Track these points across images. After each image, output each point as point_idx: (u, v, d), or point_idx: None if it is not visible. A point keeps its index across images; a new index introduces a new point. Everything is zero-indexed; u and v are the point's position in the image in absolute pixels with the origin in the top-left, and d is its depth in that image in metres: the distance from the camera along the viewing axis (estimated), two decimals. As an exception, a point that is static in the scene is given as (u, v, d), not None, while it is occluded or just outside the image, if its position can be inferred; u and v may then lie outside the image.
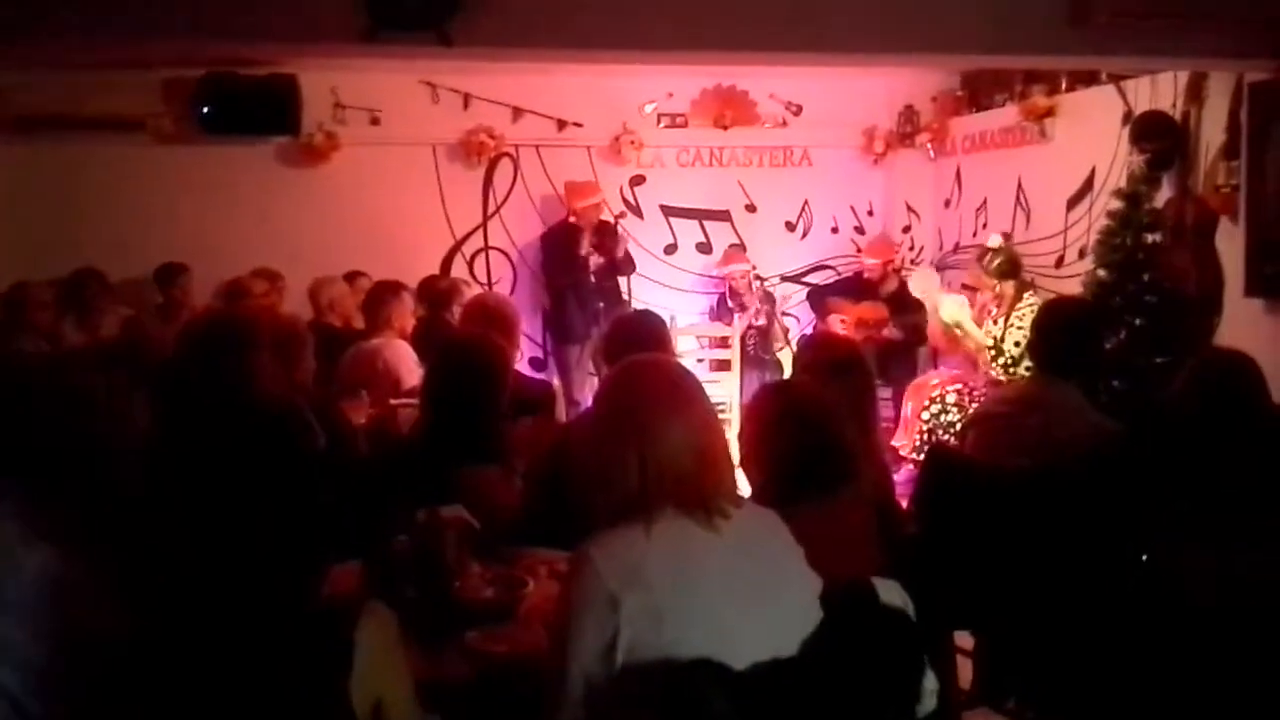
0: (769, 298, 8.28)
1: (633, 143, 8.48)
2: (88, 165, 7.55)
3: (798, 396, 2.99)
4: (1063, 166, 7.12)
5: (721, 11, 4.64)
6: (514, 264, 8.57)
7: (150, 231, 7.59)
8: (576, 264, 7.86)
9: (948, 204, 8.69)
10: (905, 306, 7.83)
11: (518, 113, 8.36)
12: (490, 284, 8.39)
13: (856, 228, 9.05)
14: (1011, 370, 6.35)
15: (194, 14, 4.33)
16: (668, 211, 8.79)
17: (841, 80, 8.35)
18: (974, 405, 6.30)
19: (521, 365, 5.72)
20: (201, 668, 1.79)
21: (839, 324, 7.78)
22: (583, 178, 8.32)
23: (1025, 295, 6.58)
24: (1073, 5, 4.80)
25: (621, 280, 8.10)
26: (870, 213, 9.06)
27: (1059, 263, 7.14)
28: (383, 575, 2.64)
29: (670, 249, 8.81)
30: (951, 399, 6.66)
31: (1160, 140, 5.97)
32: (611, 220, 8.27)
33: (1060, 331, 3.85)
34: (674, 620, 1.92)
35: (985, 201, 8.11)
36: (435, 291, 6.54)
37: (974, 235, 8.05)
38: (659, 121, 8.63)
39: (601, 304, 7.84)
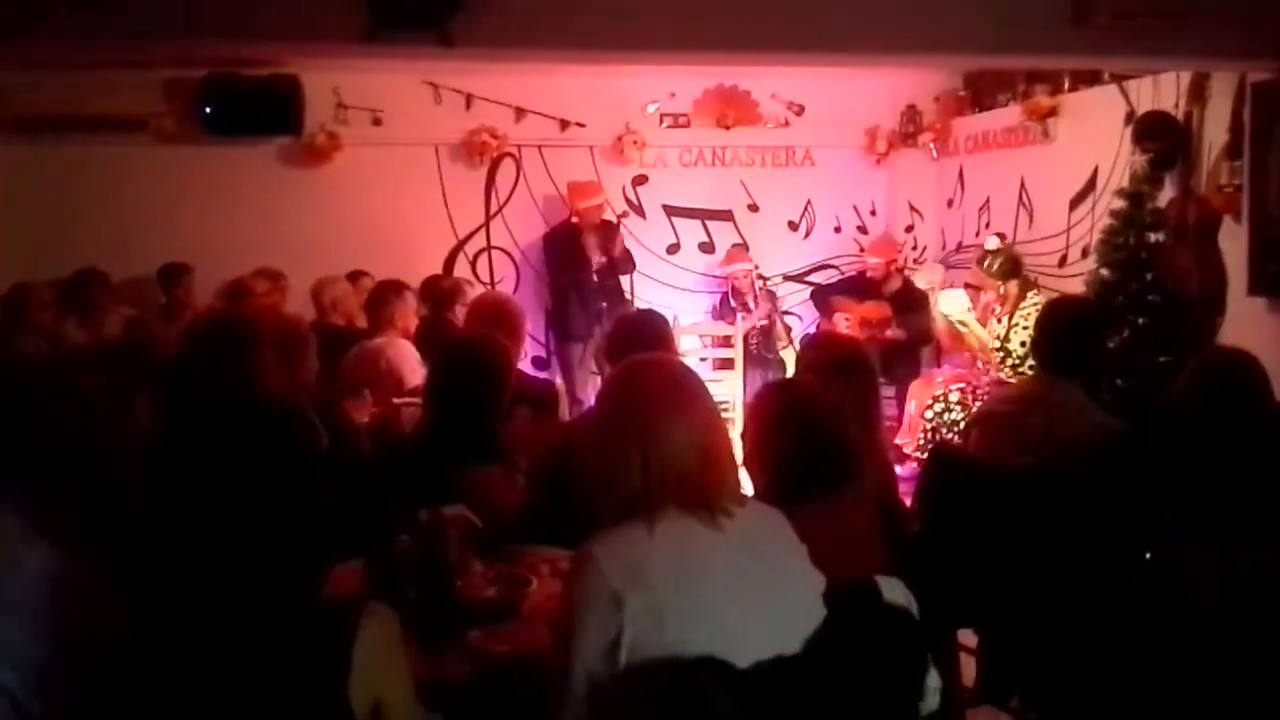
0: (771, 297, 8.28)
1: (635, 143, 8.48)
2: (90, 165, 7.55)
3: (801, 395, 2.99)
4: (1065, 166, 7.11)
5: (723, 12, 4.64)
6: (516, 264, 8.58)
7: (152, 232, 7.59)
8: (579, 263, 7.86)
9: (950, 204, 8.69)
10: (909, 306, 7.83)
11: (520, 113, 8.36)
12: (493, 283, 8.39)
13: (859, 227, 9.05)
14: (1018, 369, 6.34)
15: (195, 14, 4.32)
16: (670, 211, 8.79)
17: (844, 80, 8.35)
18: (977, 404, 6.29)
19: (524, 364, 5.71)
20: (202, 667, 1.78)
21: (843, 323, 7.78)
22: (585, 178, 8.32)
23: (1029, 294, 6.57)
24: (1075, 5, 4.80)
25: (624, 279, 8.10)
26: (873, 212, 9.06)
27: (1062, 262, 7.14)
28: (385, 574, 2.64)
29: (673, 249, 8.82)
30: (955, 398, 6.66)
31: (1163, 140, 5.97)
32: (614, 220, 8.26)
33: (1063, 331, 3.85)
34: (677, 619, 1.92)
35: (988, 201, 8.11)
36: (438, 291, 6.54)
37: (977, 235, 8.05)
38: (661, 121, 8.63)
39: (604, 303, 7.84)
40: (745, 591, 1.99)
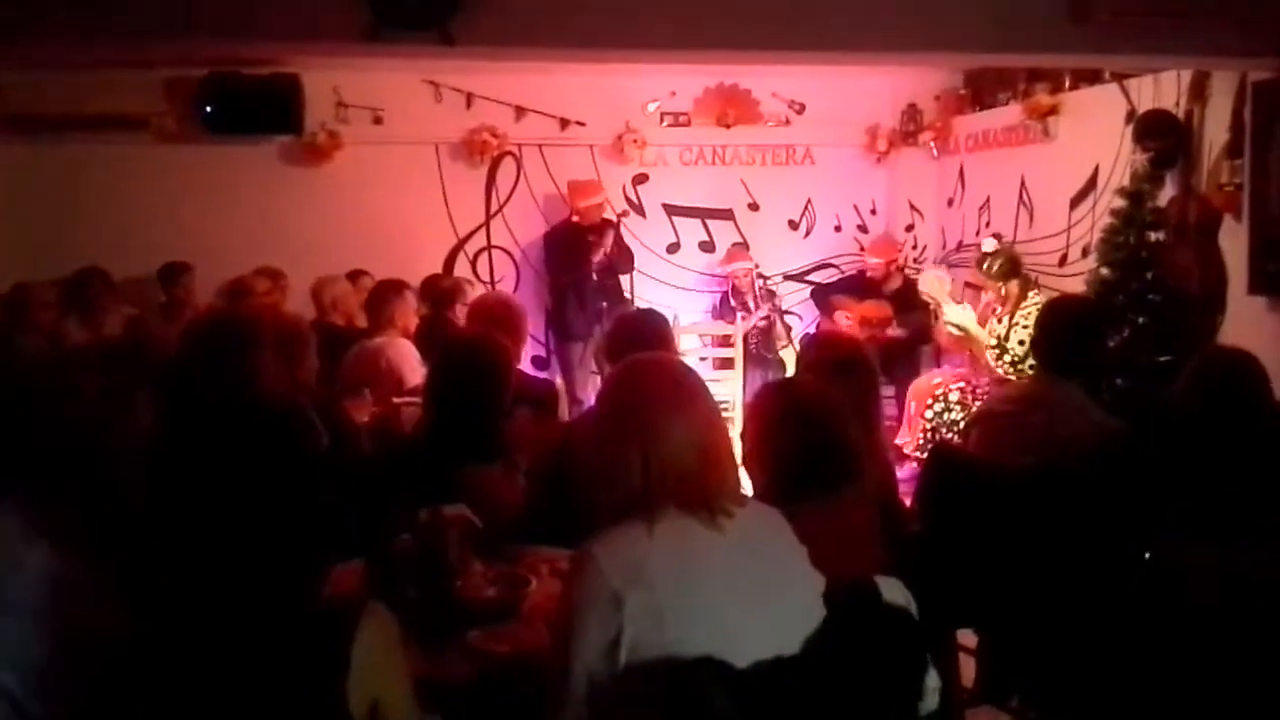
0: (772, 296, 8.28)
1: (635, 141, 8.48)
2: (91, 165, 7.55)
3: (800, 395, 2.99)
4: (1066, 165, 7.11)
5: (724, 10, 4.64)
6: (517, 263, 8.58)
7: (153, 231, 7.60)
8: (579, 263, 7.85)
9: (951, 203, 8.69)
10: (909, 305, 7.83)
11: (520, 112, 8.36)
12: (493, 283, 8.39)
13: (860, 226, 9.04)
14: (1017, 367, 6.34)
15: (195, 13, 4.32)
16: (671, 210, 8.79)
17: (844, 79, 8.35)
18: (977, 404, 6.29)
19: (524, 364, 5.72)
20: (201, 667, 1.78)
21: (844, 321, 7.78)
22: (586, 177, 8.32)
23: (1030, 294, 6.57)
24: (1075, 3, 4.80)
25: (624, 279, 8.10)
26: (873, 211, 9.06)
27: (1062, 261, 7.14)
28: (385, 574, 2.64)
29: (673, 248, 8.82)
30: (955, 397, 6.66)
31: (1163, 139, 5.96)
32: (614, 219, 8.27)
33: (1063, 330, 3.84)
34: (677, 619, 1.92)
35: (988, 200, 8.11)
36: (438, 290, 6.54)
37: (977, 234, 8.05)
38: (662, 120, 8.63)
39: (604, 303, 7.84)
40: (745, 592, 1.99)
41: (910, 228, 8.98)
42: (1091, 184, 6.84)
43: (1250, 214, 5.51)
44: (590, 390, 7.59)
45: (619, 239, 8.06)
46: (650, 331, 3.70)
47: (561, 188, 8.34)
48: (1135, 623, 3.10)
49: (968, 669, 3.63)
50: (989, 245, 7.04)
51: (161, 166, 7.72)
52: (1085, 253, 6.72)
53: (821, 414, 2.87)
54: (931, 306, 7.31)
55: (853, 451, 2.91)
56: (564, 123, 8.45)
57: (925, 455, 5.23)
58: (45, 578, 2.07)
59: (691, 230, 8.84)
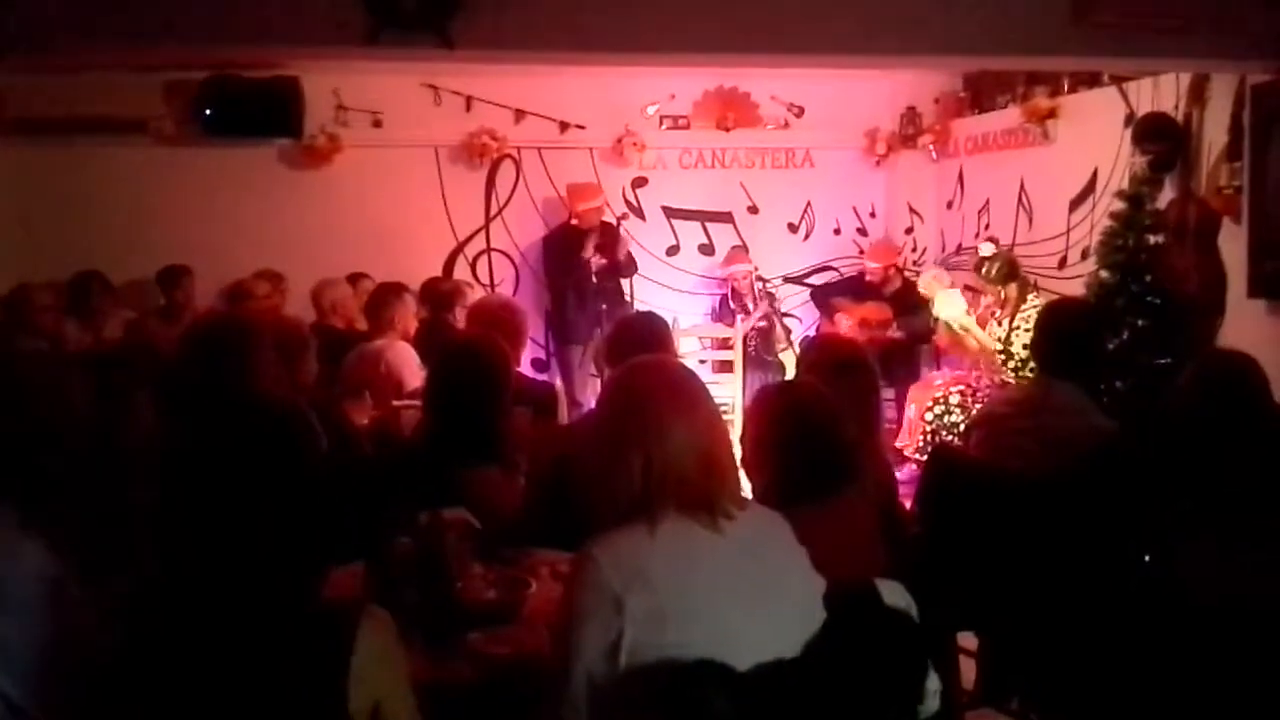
0: (771, 299, 8.28)
1: (635, 144, 8.48)
2: (90, 167, 7.55)
3: (800, 397, 2.99)
4: (1065, 168, 7.11)
5: (723, 14, 4.64)
6: (516, 266, 8.58)
7: (152, 233, 7.59)
8: (578, 266, 7.85)
9: (950, 205, 8.69)
10: (909, 306, 7.84)
11: (520, 115, 8.36)
12: (493, 286, 8.39)
13: (859, 229, 9.05)
14: (1020, 372, 6.35)
15: (195, 16, 4.33)
16: (670, 213, 8.79)
17: (843, 82, 8.35)
18: (977, 406, 6.30)
19: (524, 367, 5.72)
20: (200, 670, 1.79)
21: (844, 324, 7.78)
22: (585, 180, 8.32)
23: (1029, 297, 6.58)
24: (1074, 6, 4.80)
25: (623, 281, 8.10)
26: (872, 214, 9.06)
27: (1062, 264, 7.14)
28: (385, 577, 2.64)
29: (672, 250, 8.82)
30: (955, 400, 6.67)
31: (1162, 141, 5.97)
32: (614, 222, 8.27)
33: (1062, 333, 3.85)
34: (677, 621, 1.92)
35: (988, 203, 8.11)
36: (438, 293, 6.54)
37: (976, 236, 8.05)
38: (661, 123, 8.63)
39: (604, 305, 7.83)
40: (745, 594, 1.99)
41: (909, 230, 8.98)
42: (1090, 187, 6.84)
43: (1249, 217, 5.51)
44: (590, 393, 7.59)
45: (622, 243, 8.06)
46: (650, 334, 3.70)
47: (561, 191, 8.34)
48: (1135, 624, 3.10)
49: (968, 671, 3.63)
50: (987, 249, 7.05)
51: (161, 169, 7.72)
52: (1084, 255, 6.72)
53: (821, 416, 2.87)
54: (930, 304, 7.33)
55: (852, 454, 2.92)
56: (563, 125, 8.45)
57: (925, 457, 5.23)
58: (42, 579, 2.08)
59: (691, 233, 8.84)
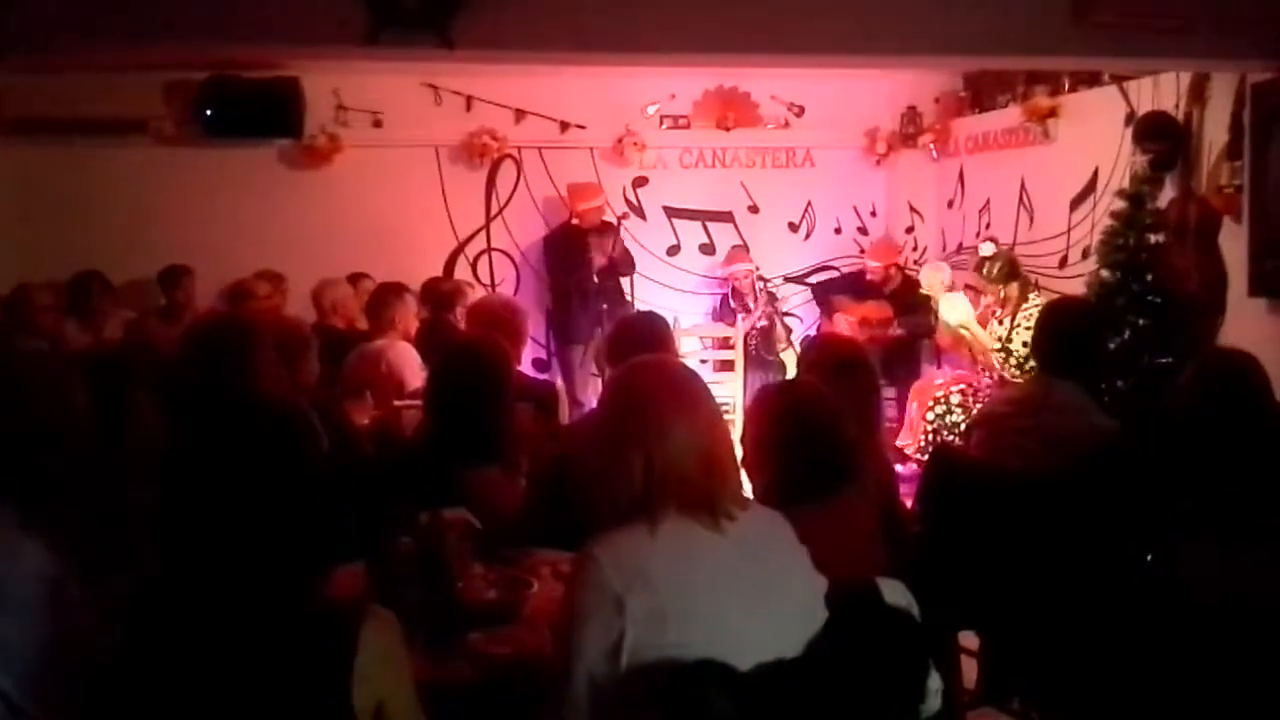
0: (772, 298, 8.28)
1: (635, 144, 8.48)
2: (90, 168, 7.54)
3: (801, 397, 2.99)
4: (1065, 167, 7.11)
5: (723, 13, 4.63)
6: (517, 265, 8.58)
7: (153, 234, 7.58)
8: (579, 265, 7.85)
9: (951, 205, 8.69)
10: (909, 304, 7.84)
11: (520, 114, 8.36)
12: (493, 285, 8.39)
13: (859, 228, 9.05)
14: (1023, 370, 6.36)
15: (195, 16, 4.32)
16: (670, 213, 8.79)
17: (844, 81, 8.35)
18: (978, 405, 6.30)
19: (525, 366, 5.72)
20: (202, 670, 1.79)
21: (844, 323, 7.78)
22: (585, 179, 8.33)
23: (1030, 296, 6.59)
24: (1074, 6, 4.79)
25: (624, 281, 8.10)
26: (873, 213, 9.06)
27: (1062, 263, 7.14)
28: (386, 577, 2.64)
29: (673, 250, 8.82)
30: (956, 399, 6.67)
31: (1163, 141, 5.97)
32: (614, 221, 8.27)
33: (1063, 332, 3.85)
34: (678, 621, 1.92)
35: (988, 202, 8.11)
36: (438, 293, 6.54)
37: (977, 235, 8.05)
38: (661, 123, 8.63)
39: (604, 305, 7.82)
40: (746, 594, 1.99)
41: (910, 230, 8.98)
42: (1091, 186, 6.84)
43: (1250, 215, 5.51)
44: (591, 393, 7.59)
45: (620, 242, 8.06)
46: (651, 334, 3.70)
47: (561, 190, 8.34)
48: (1136, 623, 3.10)
49: (970, 670, 3.63)
50: (987, 249, 7.05)
51: (161, 169, 7.71)
52: (1085, 255, 6.72)
53: (822, 416, 2.87)
54: (933, 304, 7.33)
55: (853, 453, 2.92)
56: (564, 125, 8.45)
57: (926, 457, 5.23)
58: (42, 579, 2.08)
59: (691, 233, 8.84)
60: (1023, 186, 7.63)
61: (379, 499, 3.07)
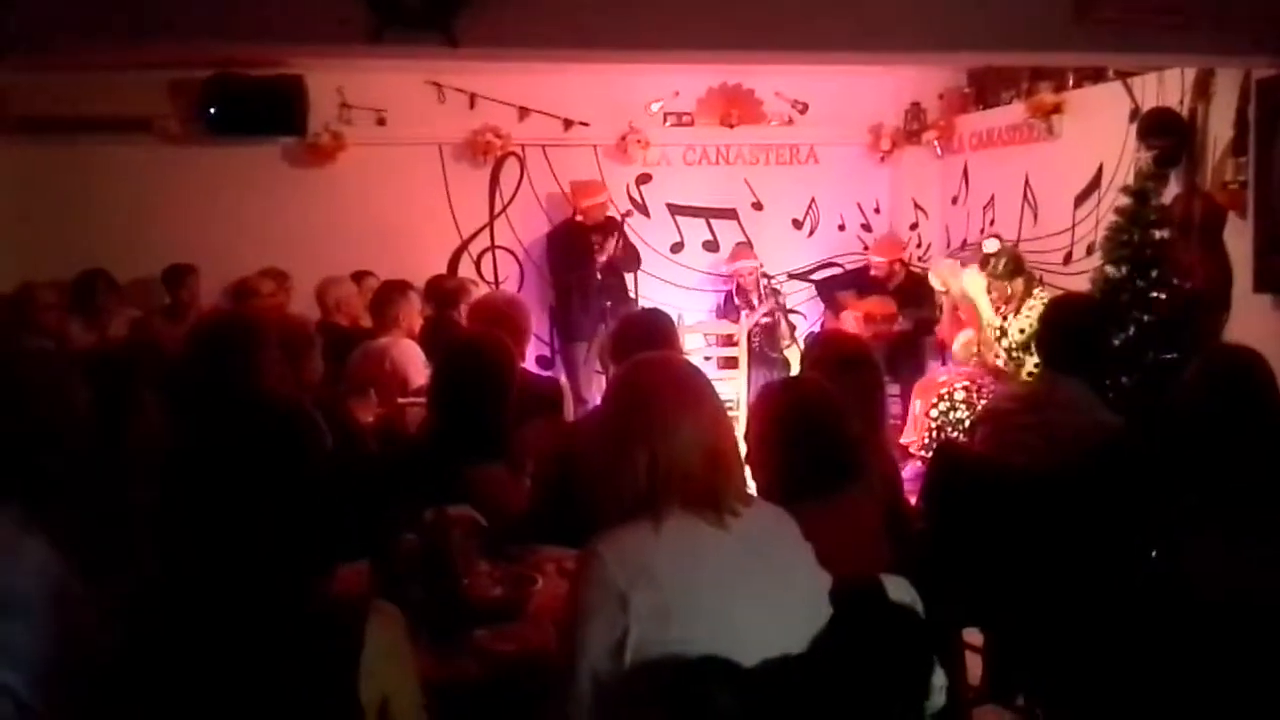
0: (775, 295, 8.29)
1: (639, 141, 8.48)
2: (94, 166, 7.56)
3: (805, 393, 2.99)
4: (1070, 163, 7.10)
5: (727, 10, 4.64)
6: (520, 263, 8.58)
7: (157, 232, 7.60)
8: (582, 262, 7.86)
9: (955, 201, 8.68)
10: (913, 299, 7.84)
11: (524, 112, 8.36)
12: (497, 283, 8.40)
13: (863, 225, 9.05)
14: (1012, 354, 6.38)
15: (199, 14, 4.33)
16: (674, 210, 8.79)
17: (847, 78, 8.35)
18: (982, 402, 6.30)
19: (529, 364, 5.73)
20: (207, 667, 1.79)
21: (852, 321, 7.77)
22: (589, 177, 8.33)
23: (1035, 291, 6.58)
24: (1076, 3, 4.79)
25: (628, 278, 8.10)
26: (877, 210, 9.07)
27: (1067, 259, 7.13)
28: (391, 574, 2.65)
29: (677, 247, 8.82)
30: (960, 396, 6.66)
31: (1168, 137, 5.96)
32: (618, 218, 8.27)
33: (1068, 328, 3.84)
34: (682, 618, 1.92)
35: (993, 199, 8.10)
36: (442, 291, 6.55)
37: (981, 232, 8.03)
38: (665, 120, 8.63)
39: (608, 302, 7.84)
40: (751, 591, 1.99)
41: (914, 226, 8.98)
42: (1096, 182, 6.83)
43: (1255, 211, 5.51)
44: (595, 390, 7.60)
45: (625, 239, 8.07)
46: (655, 331, 3.70)
47: (565, 188, 8.34)
48: (1141, 620, 3.10)
49: (974, 667, 3.62)
50: (991, 245, 7.04)
51: (165, 168, 7.73)
52: (1090, 251, 6.71)
53: (825, 412, 2.87)
54: (939, 298, 7.33)
55: (857, 450, 2.91)
56: (567, 123, 8.45)
57: (930, 453, 5.23)
58: (45, 578, 2.08)
59: (695, 230, 8.85)
60: (1027, 183, 7.62)
61: (383, 496, 3.07)
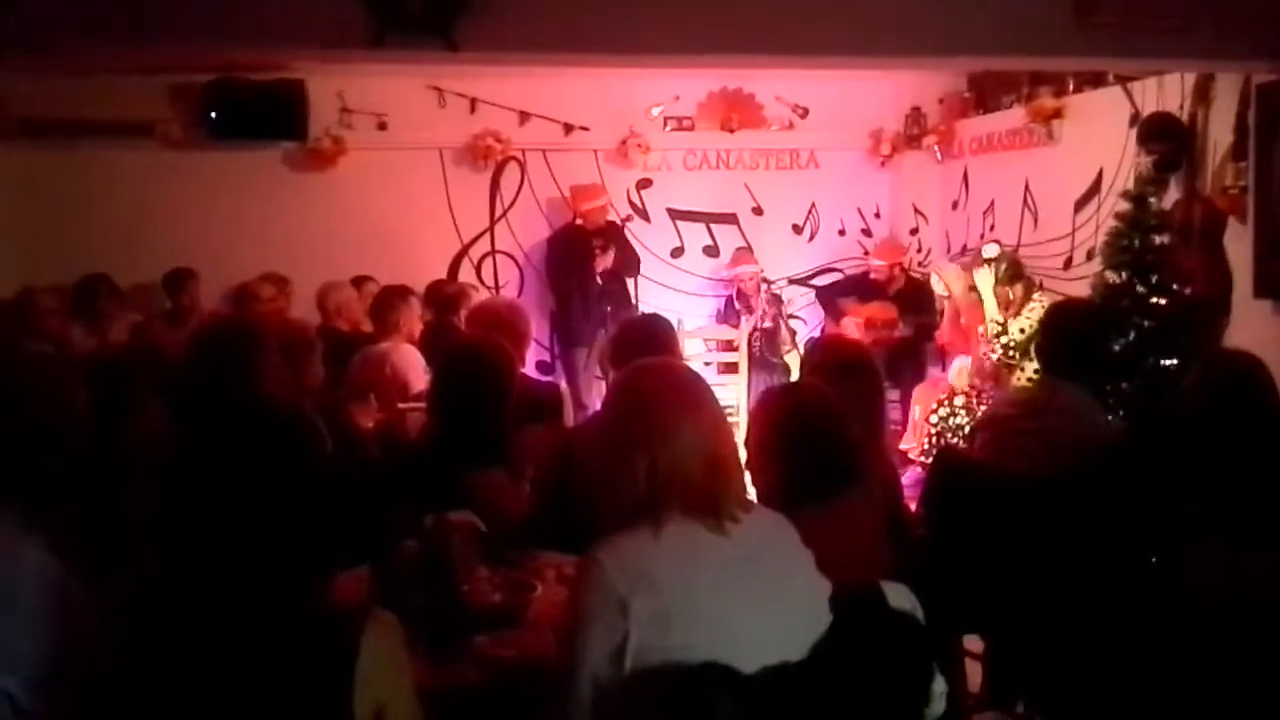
0: (776, 300, 8.29)
1: (639, 146, 8.48)
2: (95, 170, 7.55)
3: (805, 399, 2.99)
4: (1070, 168, 7.11)
5: (727, 15, 4.63)
6: (521, 267, 8.58)
7: (158, 237, 7.59)
8: (583, 267, 7.86)
9: (955, 206, 8.68)
10: (914, 305, 7.84)
11: (524, 116, 8.37)
12: (497, 288, 8.40)
13: (864, 230, 9.05)
14: (1012, 353, 6.40)
15: (200, 18, 4.33)
16: (674, 215, 8.79)
17: (848, 83, 8.35)
18: (983, 408, 6.30)
19: (529, 369, 5.73)
20: (204, 672, 1.79)
21: (852, 327, 7.77)
22: (589, 181, 8.33)
23: (1034, 297, 6.59)
24: (1076, 7, 4.79)
25: (628, 283, 8.10)
26: (877, 215, 9.06)
27: (1067, 264, 7.13)
28: (391, 580, 2.64)
29: (677, 252, 8.82)
30: (960, 402, 6.67)
31: (1168, 141, 5.96)
32: (618, 222, 8.27)
33: (1067, 334, 3.84)
34: (682, 624, 1.92)
35: (992, 203, 8.10)
36: (443, 296, 6.55)
37: (981, 237, 8.03)
38: (665, 125, 8.63)
39: (608, 307, 7.84)
40: (751, 597, 1.99)
41: (914, 231, 8.98)
42: (1096, 187, 6.84)
43: (1255, 216, 5.51)
44: (595, 395, 7.60)
45: (625, 243, 8.07)
46: (655, 336, 3.69)
47: (565, 193, 8.34)
48: (1141, 626, 3.10)
49: (974, 674, 3.62)
50: (991, 250, 7.05)
51: (166, 172, 7.72)
52: (1090, 256, 6.71)
53: (825, 418, 2.87)
54: (940, 304, 7.33)
55: (857, 455, 2.91)
56: (568, 128, 8.45)
57: (930, 459, 5.23)
58: (44, 580, 2.08)
59: (695, 235, 8.84)
60: (1027, 188, 7.62)
61: (383, 502, 3.07)
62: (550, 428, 4.11)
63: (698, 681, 1.85)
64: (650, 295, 8.38)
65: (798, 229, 8.98)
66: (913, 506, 3.68)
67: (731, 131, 8.69)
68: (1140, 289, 5.67)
